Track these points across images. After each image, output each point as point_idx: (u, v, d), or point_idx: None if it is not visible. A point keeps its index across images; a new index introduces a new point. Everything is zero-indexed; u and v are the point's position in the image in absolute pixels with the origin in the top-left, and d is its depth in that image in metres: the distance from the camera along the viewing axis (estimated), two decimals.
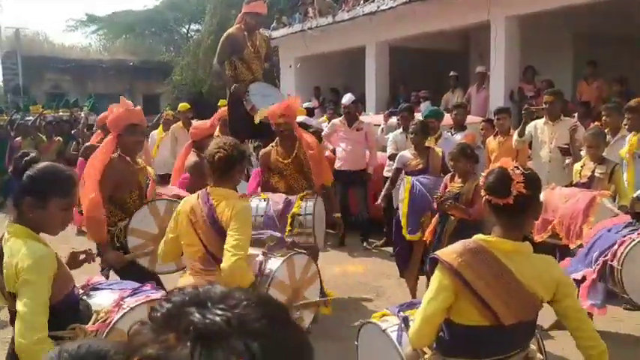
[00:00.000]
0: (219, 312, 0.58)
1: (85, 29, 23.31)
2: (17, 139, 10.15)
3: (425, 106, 9.71)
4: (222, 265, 2.58)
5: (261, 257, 2.86)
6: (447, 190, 4.43)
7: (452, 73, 9.98)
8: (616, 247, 3.11)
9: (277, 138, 4.61)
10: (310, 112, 9.67)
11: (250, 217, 2.83)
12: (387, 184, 5.61)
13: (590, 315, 4.14)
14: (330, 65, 13.10)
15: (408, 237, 4.70)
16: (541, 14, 8.66)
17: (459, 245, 1.99)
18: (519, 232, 2.02)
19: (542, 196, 4.53)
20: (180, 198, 3.58)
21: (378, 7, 10.28)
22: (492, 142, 6.43)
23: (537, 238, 4.60)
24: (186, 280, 2.84)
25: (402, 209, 4.74)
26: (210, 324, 0.57)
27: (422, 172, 5.02)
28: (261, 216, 4.33)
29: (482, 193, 2.01)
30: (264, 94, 5.45)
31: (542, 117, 6.04)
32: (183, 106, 8.63)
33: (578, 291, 3.35)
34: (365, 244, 7.15)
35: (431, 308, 1.95)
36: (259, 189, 4.77)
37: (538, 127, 5.85)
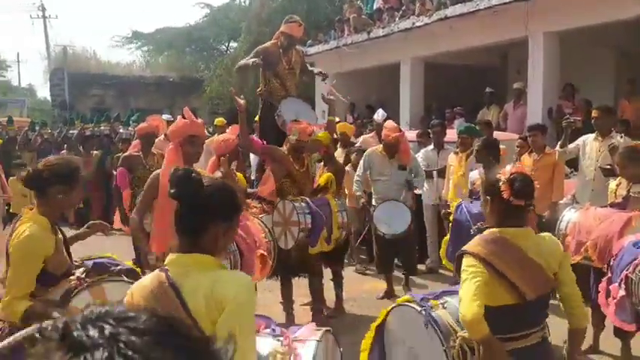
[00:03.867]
0: (105, 326, 0.60)
1: (130, 46, 24.11)
2: (63, 151, 10.51)
3: (459, 123, 9.61)
4: None
5: (72, 285, 2.55)
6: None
7: (487, 90, 9.85)
8: (637, 260, 3.03)
9: (290, 148, 4.88)
10: None
11: (31, 248, 2.45)
12: None
13: (623, 332, 3.99)
14: (366, 81, 13.12)
15: (444, 262, 4.66)
16: (581, 30, 8.47)
17: (479, 239, 2.32)
18: (521, 221, 2.34)
19: (576, 217, 4.42)
20: None
21: (413, 24, 10.28)
22: (527, 160, 6.28)
23: (570, 261, 4.47)
24: None
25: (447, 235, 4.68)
26: (85, 336, 0.60)
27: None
28: (308, 213, 4.63)
29: (506, 195, 2.24)
30: (297, 110, 5.49)
31: (581, 128, 5.93)
32: (219, 121, 8.80)
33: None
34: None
35: (473, 284, 2.15)
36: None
37: (587, 142, 5.70)
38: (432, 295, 2.56)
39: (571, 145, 5.80)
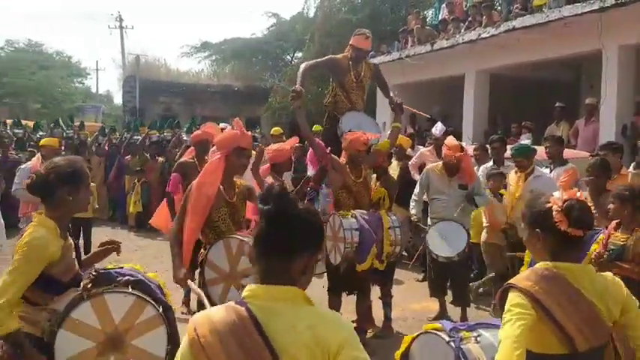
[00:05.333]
0: None
1: (199, 55, 24.84)
2: (127, 157, 10.90)
3: (526, 138, 9.19)
4: None
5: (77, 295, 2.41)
6: (610, 243, 3.70)
7: (557, 104, 9.36)
8: None
9: (348, 158, 4.76)
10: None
11: (34, 251, 2.35)
12: None
13: None
14: (428, 93, 12.85)
15: None
16: None
17: (531, 273, 2.01)
18: (578, 255, 2.08)
19: None
20: None
21: (479, 35, 9.97)
22: None
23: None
24: None
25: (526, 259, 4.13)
26: None
27: None
28: (356, 229, 4.47)
29: (564, 226, 1.97)
30: (358, 122, 5.32)
31: None
32: (275, 130, 8.84)
33: None
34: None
35: (516, 328, 1.86)
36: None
37: None
38: (464, 325, 2.28)
39: None
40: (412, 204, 5.71)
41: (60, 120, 13.28)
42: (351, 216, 4.54)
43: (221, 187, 3.50)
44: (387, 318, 5.22)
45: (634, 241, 3.60)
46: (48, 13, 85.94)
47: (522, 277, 2.01)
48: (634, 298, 2.05)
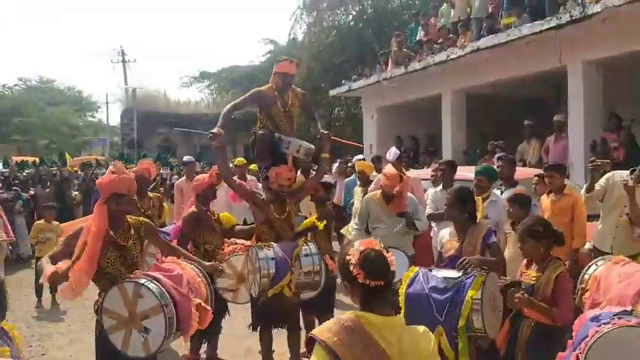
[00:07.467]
0: None
1: (199, 85, 25.28)
2: None
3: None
4: None
5: None
6: (521, 280, 3.48)
7: (526, 122, 9.27)
8: (589, 338, 2.57)
9: (271, 194, 4.68)
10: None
11: None
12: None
13: None
14: (411, 114, 12.89)
15: None
16: (622, 57, 7.83)
17: (334, 322, 2.00)
18: (390, 307, 2.05)
19: (599, 270, 3.66)
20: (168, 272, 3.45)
21: (448, 57, 9.97)
22: (545, 201, 5.75)
23: None
24: None
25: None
26: None
27: (454, 260, 3.92)
28: (272, 259, 4.41)
29: (361, 279, 1.97)
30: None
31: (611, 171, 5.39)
32: (239, 160, 8.85)
33: None
34: None
35: None
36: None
37: (618, 181, 5.14)
38: None
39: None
40: (353, 233, 5.66)
41: (60, 156, 13.55)
42: (268, 247, 4.51)
43: (111, 232, 3.39)
44: None
45: (545, 281, 3.35)
46: (58, 48, 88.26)
47: (323, 329, 2.00)
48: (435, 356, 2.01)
